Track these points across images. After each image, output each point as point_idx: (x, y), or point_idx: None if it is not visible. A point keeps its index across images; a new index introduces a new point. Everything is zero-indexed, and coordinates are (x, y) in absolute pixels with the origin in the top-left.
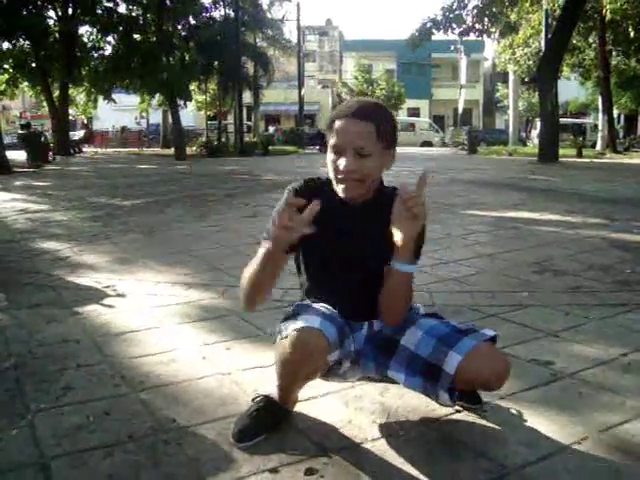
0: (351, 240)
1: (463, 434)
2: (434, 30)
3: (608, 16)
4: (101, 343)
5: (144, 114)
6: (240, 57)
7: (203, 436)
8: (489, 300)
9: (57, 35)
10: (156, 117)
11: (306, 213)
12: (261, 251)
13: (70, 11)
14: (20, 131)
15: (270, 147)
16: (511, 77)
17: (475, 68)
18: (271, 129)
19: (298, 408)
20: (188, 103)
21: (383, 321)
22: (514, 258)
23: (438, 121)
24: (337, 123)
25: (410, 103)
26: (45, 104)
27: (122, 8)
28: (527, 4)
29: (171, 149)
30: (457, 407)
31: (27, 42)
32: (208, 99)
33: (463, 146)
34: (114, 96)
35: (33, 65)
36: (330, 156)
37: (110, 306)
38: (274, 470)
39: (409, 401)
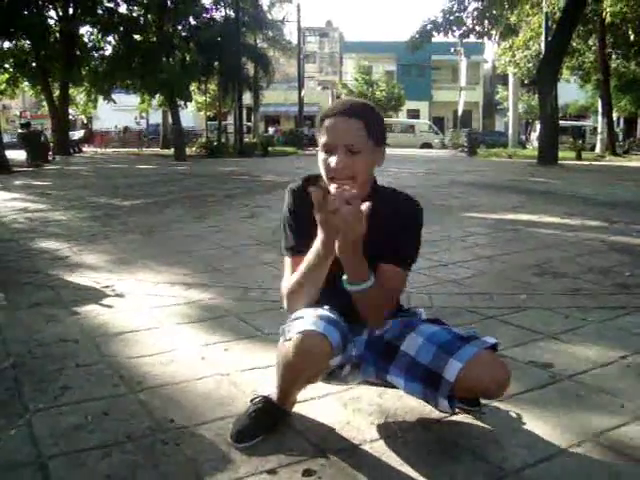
0: None
1: (461, 436)
2: (434, 32)
3: (608, 19)
4: (100, 343)
5: (144, 114)
6: (240, 58)
7: (201, 436)
8: (488, 302)
9: (57, 35)
10: (156, 117)
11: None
12: (310, 257)
13: (71, 11)
14: (20, 130)
15: (270, 148)
16: (511, 79)
17: (475, 70)
18: (271, 130)
19: (296, 409)
20: (188, 104)
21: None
22: (513, 260)
23: (438, 123)
24: (327, 122)
25: (410, 105)
26: (45, 104)
27: (123, 8)
28: (527, 7)
29: (171, 149)
30: (456, 409)
31: (27, 42)
32: (208, 100)
33: (463, 148)
34: (114, 96)
35: (33, 65)
36: (321, 155)
37: (109, 306)
38: (272, 471)
39: (407, 403)
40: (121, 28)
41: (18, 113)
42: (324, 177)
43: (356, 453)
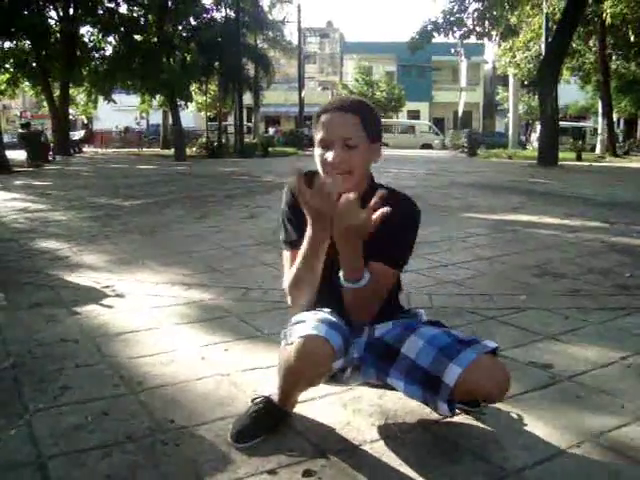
0: None
1: (461, 437)
2: (435, 33)
3: (608, 20)
4: (100, 343)
5: (144, 115)
6: (241, 58)
7: (201, 437)
8: (488, 303)
9: (58, 35)
10: (156, 118)
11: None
12: (304, 244)
13: (71, 11)
14: (20, 130)
15: (270, 148)
16: (511, 80)
17: (475, 71)
18: (271, 130)
19: (297, 409)
20: (188, 104)
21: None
22: (513, 261)
23: (438, 124)
24: (323, 117)
25: (410, 106)
26: (45, 104)
27: (123, 9)
28: (528, 8)
29: (171, 150)
30: (459, 406)
31: (28, 42)
32: (208, 100)
33: (463, 149)
34: (114, 96)
35: (34, 65)
36: (317, 151)
37: (109, 306)
38: (272, 471)
39: (407, 403)
40: (122, 28)
41: (18, 113)
42: (321, 172)
43: (356, 454)
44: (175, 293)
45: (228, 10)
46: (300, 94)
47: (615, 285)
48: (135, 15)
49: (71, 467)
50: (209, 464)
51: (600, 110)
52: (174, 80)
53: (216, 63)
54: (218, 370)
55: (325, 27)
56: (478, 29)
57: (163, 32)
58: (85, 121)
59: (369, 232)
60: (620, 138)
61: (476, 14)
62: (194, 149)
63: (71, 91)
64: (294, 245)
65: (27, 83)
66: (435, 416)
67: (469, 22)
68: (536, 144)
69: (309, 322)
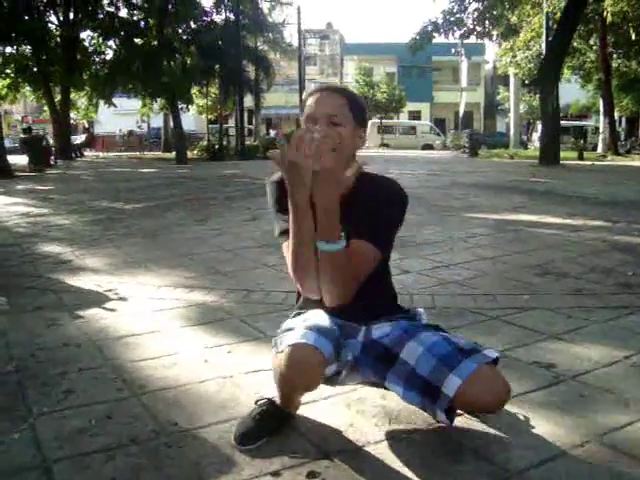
0: None
1: (465, 437)
2: (435, 33)
3: (609, 18)
4: (102, 346)
5: (145, 118)
6: (241, 61)
7: (205, 439)
8: (491, 303)
9: (58, 40)
10: (157, 121)
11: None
12: (291, 216)
13: (71, 16)
14: (22, 135)
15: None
16: (512, 80)
17: (476, 71)
18: (272, 132)
19: (300, 411)
20: (189, 107)
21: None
22: (515, 261)
23: (439, 124)
24: (310, 98)
25: (411, 106)
26: (46, 108)
27: (123, 13)
28: (528, 7)
29: (172, 153)
30: (459, 410)
31: (29, 47)
32: (209, 103)
33: (464, 149)
34: (115, 100)
35: (35, 69)
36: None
37: (111, 310)
38: (276, 473)
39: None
40: (122, 32)
41: (20, 118)
42: None
43: (360, 455)
44: (177, 296)
45: (228, 13)
46: (301, 96)
47: (618, 284)
48: (135, 19)
49: (75, 470)
50: (212, 466)
51: (601, 109)
52: (175, 83)
53: (216, 66)
54: (221, 372)
55: (325, 28)
56: (478, 29)
57: (163, 35)
58: (86, 125)
59: (347, 185)
60: (622, 137)
61: (476, 14)
62: (195, 152)
63: (72, 95)
64: (288, 234)
65: (28, 88)
66: None
67: (469, 22)
68: (537, 144)
69: (298, 330)
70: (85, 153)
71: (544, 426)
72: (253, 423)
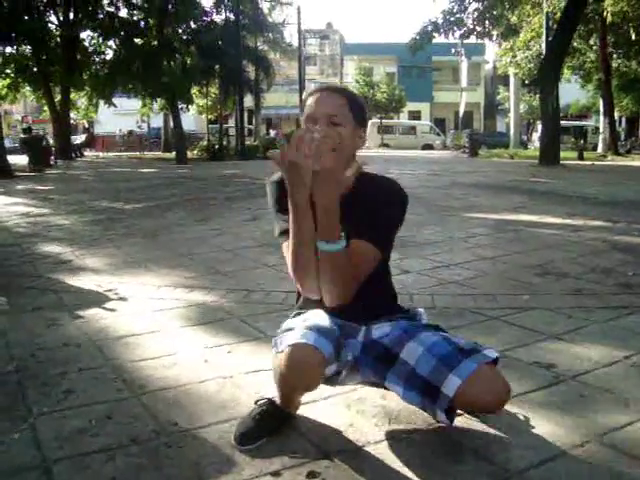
0: None
1: (465, 437)
2: (435, 33)
3: (609, 18)
4: (102, 347)
5: (145, 118)
6: (241, 61)
7: (205, 439)
8: (491, 303)
9: (58, 40)
10: (157, 121)
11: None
12: (291, 215)
13: (71, 16)
14: (22, 135)
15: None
16: (512, 80)
17: (476, 71)
18: (272, 132)
19: (300, 411)
20: (189, 107)
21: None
22: (515, 261)
23: (439, 124)
24: (310, 98)
25: (411, 106)
26: (46, 108)
27: (123, 13)
28: (528, 7)
29: (172, 153)
30: (459, 410)
31: (29, 47)
32: (209, 103)
33: (464, 149)
34: (115, 100)
35: (35, 70)
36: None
37: (111, 309)
38: (276, 473)
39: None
40: (122, 32)
41: (20, 118)
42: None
43: (360, 455)
44: (177, 296)
45: (228, 13)
46: (301, 96)
47: (618, 284)
48: (135, 19)
49: (75, 470)
50: (212, 466)
51: (601, 109)
52: (175, 83)
53: (216, 66)
54: (221, 372)
55: (325, 29)
56: (478, 29)
57: (163, 35)
58: (86, 125)
59: (347, 185)
60: (622, 137)
61: (476, 14)
62: (195, 152)
63: (72, 95)
64: (288, 234)
65: (28, 88)
66: None
67: (469, 22)
68: (537, 144)
69: (298, 330)
70: (85, 153)
71: (544, 426)
72: (253, 423)
